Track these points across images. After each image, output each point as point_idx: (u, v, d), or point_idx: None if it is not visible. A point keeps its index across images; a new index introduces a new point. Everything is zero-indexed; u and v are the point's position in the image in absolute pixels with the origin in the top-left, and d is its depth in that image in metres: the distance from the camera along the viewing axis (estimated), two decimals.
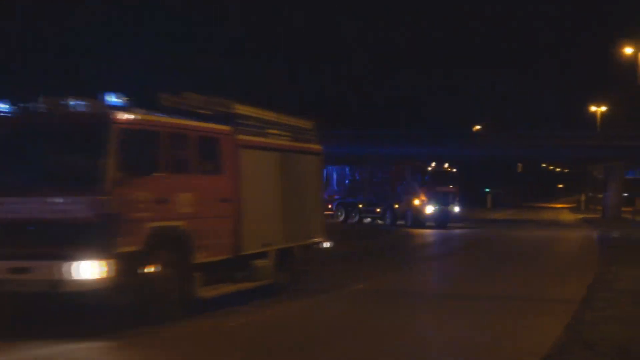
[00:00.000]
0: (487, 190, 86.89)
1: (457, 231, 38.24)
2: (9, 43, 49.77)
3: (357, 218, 43.85)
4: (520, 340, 10.75)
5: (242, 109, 13.50)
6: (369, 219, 43.61)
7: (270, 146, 14.36)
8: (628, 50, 45.82)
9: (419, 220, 40.47)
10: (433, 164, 42.22)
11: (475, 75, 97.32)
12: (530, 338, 10.89)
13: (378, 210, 42.85)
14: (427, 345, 10.56)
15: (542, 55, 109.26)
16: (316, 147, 16.33)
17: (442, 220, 40.98)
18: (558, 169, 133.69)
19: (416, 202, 40.45)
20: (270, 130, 14.64)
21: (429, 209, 40.33)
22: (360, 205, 43.74)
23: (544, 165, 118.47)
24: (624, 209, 59.77)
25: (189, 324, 11.32)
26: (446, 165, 43.25)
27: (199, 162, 12.18)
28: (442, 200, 40.69)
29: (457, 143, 55.56)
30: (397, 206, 41.55)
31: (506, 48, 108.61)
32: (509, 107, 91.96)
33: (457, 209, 41.87)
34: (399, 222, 41.27)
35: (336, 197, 44.90)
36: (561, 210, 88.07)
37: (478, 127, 76.82)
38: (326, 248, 16.51)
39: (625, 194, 65.65)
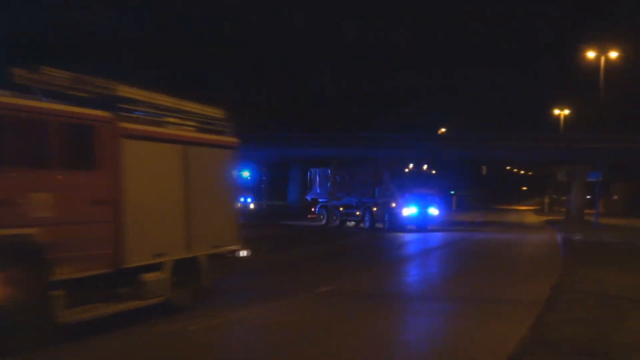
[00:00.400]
0: (452, 192, 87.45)
1: (429, 234, 36.89)
2: None
3: (338, 221, 42.73)
4: (483, 342, 10.73)
5: (127, 92, 11.23)
6: (352, 222, 42.19)
7: (166, 137, 12.01)
8: (590, 55, 46.12)
9: (396, 223, 39.23)
10: (411, 166, 40.97)
11: (475, 75, 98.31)
12: (494, 339, 10.87)
13: (358, 213, 41.60)
14: (390, 347, 10.52)
15: (542, 55, 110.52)
16: (229, 139, 13.85)
17: (422, 223, 39.73)
18: (522, 172, 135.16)
19: (393, 204, 39.29)
20: (170, 119, 12.42)
21: (406, 212, 39.11)
22: (341, 208, 42.61)
23: (509, 167, 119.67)
24: (587, 210, 60.47)
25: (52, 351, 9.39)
26: (425, 166, 41.93)
27: (64, 155, 9.85)
28: (421, 202, 39.50)
29: (421, 145, 55.76)
30: (375, 209, 40.33)
31: (506, 48, 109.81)
32: (509, 106, 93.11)
33: (437, 211, 40.57)
34: (379, 225, 40.12)
35: (320, 199, 43.94)
36: (525, 212, 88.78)
37: (443, 129, 77.25)
38: (243, 257, 14.26)
39: (588, 196, 66.41)
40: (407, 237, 34.75)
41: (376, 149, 54.56)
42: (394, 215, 39.49)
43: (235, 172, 14.03)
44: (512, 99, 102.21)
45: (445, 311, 13.50)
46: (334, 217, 43.07)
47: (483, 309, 13.81)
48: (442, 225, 42.89)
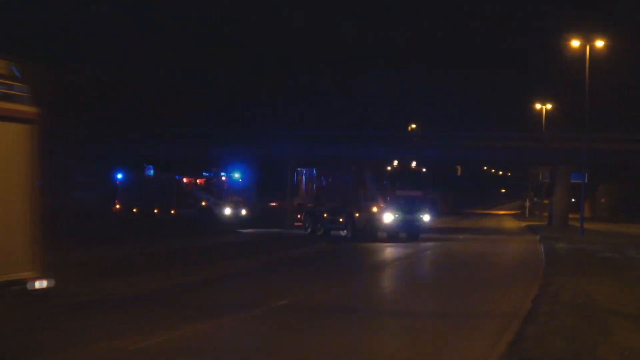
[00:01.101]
0: None
1: (401, 245, 35.16)
2: None
3: (322, 230, 40.60)
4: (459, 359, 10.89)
5: None
6: (344, 231, 39.34)
7: None
8: (575, 44, 46.42)
9: (376, 231, 37.20)
10: (395, 163, 38.19)
11: (475, 75, 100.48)
12: (471, 356, 11.06)
13: (341, 220, 39.48)
14: None
15: (528, 49, 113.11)
16: (21, 109, 10.11)
17: (410, 231, 37.54)
18: (500, 172, 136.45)
19: (374, 209, 37.12)
20: None
21: (389, 218, 36.73)
22: (325, 215, 40.57)
23: (486, 168, 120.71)
24: (571, 215, 61.16)
25: None
26: (414, 164, 39.08)
27: None
28: (407, 206, 37.06)
29: (389, 144, 56.09)
30: (358, 215, 38.11)
31: (506, 48, 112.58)
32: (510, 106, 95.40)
33: (427, 216, 38.18)
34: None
35: (308, 205, 42.69)
36: (504, 217, 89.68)
37: (414, 125, 77.80)
38: (40, 290, 10.55)
39: (573, 200, 67.24)
40: (374, 247, 34.09)
41: (341, 147, 54.90)
42: (374, 222, 37.19)
43: (35, 160, 10.42)
44: (510, 97, 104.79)
45: (415, 327, 13.48)
46: (319, 225, 41.01)
47: (458, 323, 13.89)
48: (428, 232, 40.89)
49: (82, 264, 20.46)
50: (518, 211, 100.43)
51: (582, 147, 45.59)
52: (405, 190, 37.59)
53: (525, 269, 24.74)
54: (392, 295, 18.37)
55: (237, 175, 49.39)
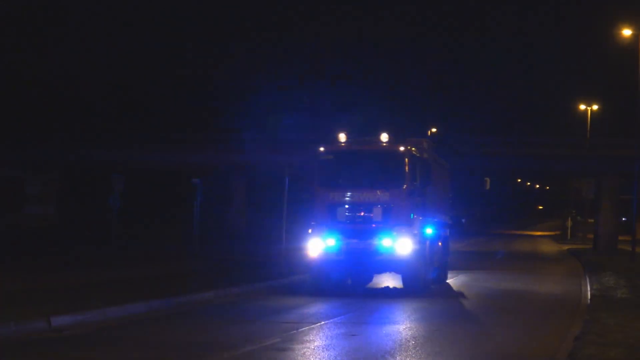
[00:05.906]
0: None
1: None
2: None
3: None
4: None
5: None
6: None
7: None
8: (626, 32, 45.59)
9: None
10: (342, 137, 25.37)
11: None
12: None
13: None
14: None
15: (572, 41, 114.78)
16: None
17: (361, 278, 26.63)
18: (537, 186, 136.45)
19: None
20: None
21: (315, 249, 24.45)
22: None
23: (520, 180, 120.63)
24: (621, 237, 60.53)
25: None
26: (384, 137, 24.85)
27: None
28: (354, 223, 24.42)
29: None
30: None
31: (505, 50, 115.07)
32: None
33: (410, 244, 24.13)
34: None
35: None
36: (542, 239, 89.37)
37: (434, 129, 77.55)
38: None
39: (624, 218, 66.69)
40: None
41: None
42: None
43: None
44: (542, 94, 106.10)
45: None
46: None
47: None
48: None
49: None
50: (558, 232, 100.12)
51: (633, 154, 45.09)
52: (353, 189, 24.95)
53: (565, 302, 24.74)
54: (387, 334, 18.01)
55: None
